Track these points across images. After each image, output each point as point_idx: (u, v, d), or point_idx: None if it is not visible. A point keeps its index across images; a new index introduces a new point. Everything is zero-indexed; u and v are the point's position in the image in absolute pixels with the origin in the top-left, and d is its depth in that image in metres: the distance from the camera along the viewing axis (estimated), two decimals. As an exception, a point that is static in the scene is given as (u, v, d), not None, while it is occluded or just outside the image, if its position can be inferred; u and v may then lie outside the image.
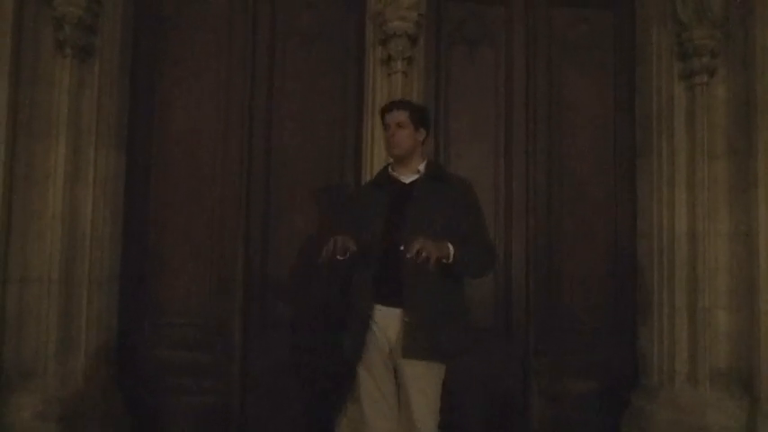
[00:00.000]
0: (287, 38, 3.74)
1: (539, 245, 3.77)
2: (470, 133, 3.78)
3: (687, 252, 3.51)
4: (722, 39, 3.50)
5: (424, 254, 2.20)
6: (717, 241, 3.50)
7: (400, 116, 2.53)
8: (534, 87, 3.84)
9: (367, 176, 3.39)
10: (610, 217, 3.84)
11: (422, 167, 2.55)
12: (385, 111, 2.60)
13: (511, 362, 3.73)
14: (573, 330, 3.78)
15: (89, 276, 3.30)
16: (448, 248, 2.34)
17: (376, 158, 3.39)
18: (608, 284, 3.81)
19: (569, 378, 3.75)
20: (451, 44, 3.82)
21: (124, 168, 3.55)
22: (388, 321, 2.42)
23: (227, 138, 3.67)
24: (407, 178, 2.55)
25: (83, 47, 3.27)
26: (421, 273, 2.29)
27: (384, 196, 2.52)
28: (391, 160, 2.66)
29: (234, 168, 3.65)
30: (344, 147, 3.71)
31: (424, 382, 2.41)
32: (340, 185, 3.69)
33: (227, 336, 3.59)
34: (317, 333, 3.61)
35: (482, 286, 3.63)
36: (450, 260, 2.34)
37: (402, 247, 2.29)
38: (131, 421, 3.45)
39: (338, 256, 2.30)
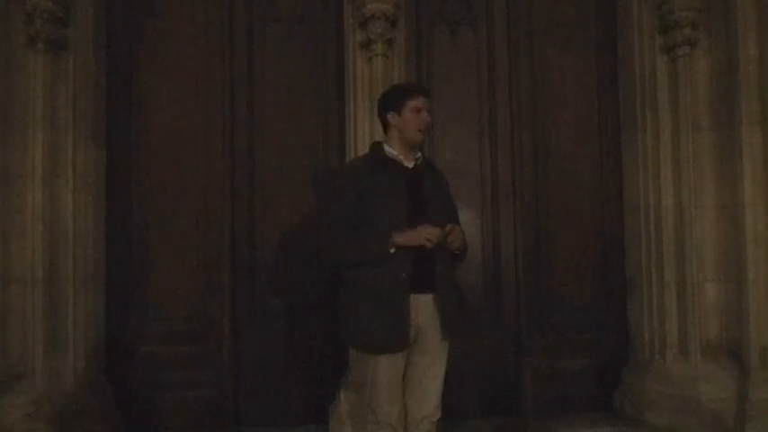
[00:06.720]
0: (265, 23, 3.69)
1: (526, 224, 3.77)
2: (454, 115, 3.75)
3: (674, 226, 3.51)
4: (703, 10, 3.47)
5: (456, 243, 2.38)
6: (703, 214, 3.50)
7: (428, 102, 2.49)
8: (517, 67, 3.82)
9: (351, 160, 3.35)
10: (596, 194, 3.84)
11: (419, 154, 2.54)
12: (423, 93, 2.51)
13: (503, 343, 3.74)
14: (563, 309, 3.79)
15: (74, 274, 3.25)
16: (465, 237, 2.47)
17: (359, 142, 3.35)
18: (597, 261, 3.82)
19: (561, 356, 3.76)
20: (432, 25, 3.78)
21: (104, 162, 3.49)
22: (418, 308, 2.39)
23: (209, 127, 3.62)
24: (409, 163, 2.51)
25: (55, 41, 3.20)
26: (447, 259, 2.43)
27: (397, 181, 2.43)
28: (378, 140, 2.61)
29: (217, 158, 3.61)
30: (328, 131, 3.68)
31: (443, 364, 2.48)
32: (325, 170, 3.65)
33: (217, 327, 3.57)
34: (308, 320, 3.60)
35: (472, 268, 3.63)
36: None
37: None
38: (123, 418, 3.43)
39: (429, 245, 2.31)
